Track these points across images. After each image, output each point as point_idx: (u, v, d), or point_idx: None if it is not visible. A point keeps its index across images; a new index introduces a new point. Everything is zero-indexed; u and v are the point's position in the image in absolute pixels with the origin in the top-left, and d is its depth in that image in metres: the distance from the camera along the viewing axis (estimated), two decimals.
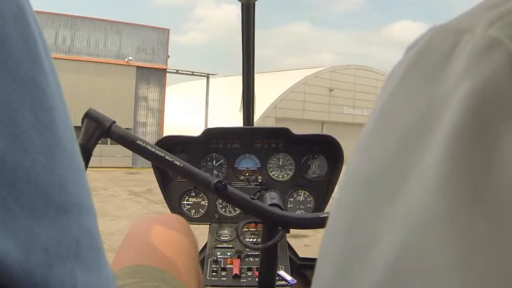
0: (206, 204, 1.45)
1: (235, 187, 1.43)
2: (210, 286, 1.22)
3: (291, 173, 1.49)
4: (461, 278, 0.16)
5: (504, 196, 0.16)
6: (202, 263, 1.28)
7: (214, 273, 1.25)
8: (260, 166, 1.49)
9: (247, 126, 1.59)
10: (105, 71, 15.71)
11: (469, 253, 0.16)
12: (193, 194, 1.46)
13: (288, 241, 1.42)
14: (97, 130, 0.83)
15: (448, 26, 0.22)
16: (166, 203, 1.44)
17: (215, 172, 1.48)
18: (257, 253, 1.28)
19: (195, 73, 18.66)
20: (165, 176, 1.43)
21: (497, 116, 0.17)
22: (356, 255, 0.21)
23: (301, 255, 1.53)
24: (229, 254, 1.32)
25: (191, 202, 1.46)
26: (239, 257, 1.28)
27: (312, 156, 1.49)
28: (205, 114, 17.64)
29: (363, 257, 0.20)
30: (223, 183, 0.85)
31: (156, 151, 0.86)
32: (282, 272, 1.24)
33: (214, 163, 1.48)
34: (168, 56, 16.95)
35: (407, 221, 0.18)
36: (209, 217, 1.45)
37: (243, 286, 1.22)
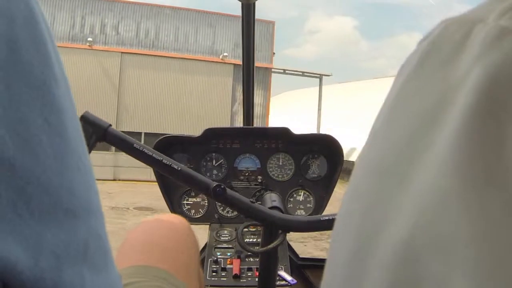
0: (206, 204, 1.46)
1: (235, 187, 1.46)
2: (210, 286, 1.23)
3: (291, 173, 1.49)
4: (474, 252, 0.16)
5: None
6: (202, 263, 1.29)
7: (214, 273, 1.25)
8: (260, 166, 1.49)
9: (247, 126, 1.59)
10: (196, 69, 13.06)
11: (483, 229, 0.16)
12: (193, 194, 1.47)
13: (288, 241, 1.43)
14: (93, 134, 0.82)
15: (461, 17, 0.22)
16: (166, 203, 1.46)
17: (215, 172, 1.49)
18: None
19: (305, 74, 15.41)
20: (165, 175, 1.43)
21: (508, 99, 0.18)
22: (370, 237, 0.21)
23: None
24: (229, 254, 1.32)
25: (191, 202, 1.47)
26: (239, 257, 1.29)
27: (312, 156, 1.49)
28: (317, 121, 15.17)
29: (377, 238, 0.20)
30: (222, 186, 0.84)
31: (154, 155, 0.85)
32: (282, 272, 1.24)
33: (214, 163, 1.49)
34: (273, 54, 14.15)
35: (421, 201, 0.19)
36: (209, 217, 1.46)
37: (243, 286, 1.23)
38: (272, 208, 0.88)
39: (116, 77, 12.34)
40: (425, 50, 0.23)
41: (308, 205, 1.46)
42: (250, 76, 1.49)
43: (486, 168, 0.17)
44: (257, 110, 13.60)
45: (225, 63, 13.44)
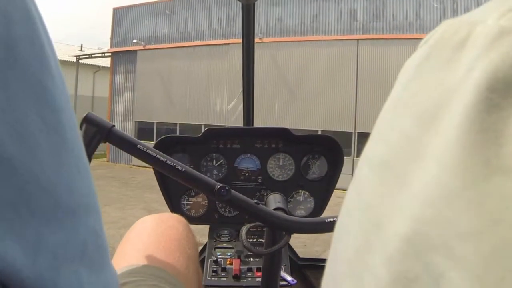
0: (206, 204, 1.46)
1: (235, 187, 1.43)
2: (210, 286, 1.23)
3: (291, 174, 1.49)
4: (474, 246, 0.17)
5: None
6: (202, 263, 1.29)
7: (214, 273, 1.25)
8: (260, 167, 1.49)
9: (247, 126, 1.59)
10: None
11: (483, 223, 0.17)
12: (193, 194, 1.47)
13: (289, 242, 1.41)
14: (97, 134, 0.82)
15: (462, 19, 0.23)
16: (166, 203, 1.46)
17: (215, 172, 1.49)
18: None
19: None
20: (165, 175, 1.39)
21: (508, 96, 0.18)
22: (372, 233, 0.21)
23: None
24: (229, 254, 1.32)
25: (191, 202, 1.47)
26: (239, 257, 1.29)
27: (312, 157, 1.49)
28: None
29: (378, 234, 0.21)
30: (226, 188, 0.84)
31: (157, 156, 0.84)
32: (282, 272, 1.23)
33: (214, 163, 1.49)
34: None
35: (423, 197, 0.19)
36: (209, 217, 1.46)
37: (243, 286, 1.22)
38: (276, 209, 0.88)
39: None
40: (426, 52, 0.24)
41: (308, 205, 1.46)
42: (250, 76, 1.49)
43: (486, 164, 0.18)
44: None
45: None
